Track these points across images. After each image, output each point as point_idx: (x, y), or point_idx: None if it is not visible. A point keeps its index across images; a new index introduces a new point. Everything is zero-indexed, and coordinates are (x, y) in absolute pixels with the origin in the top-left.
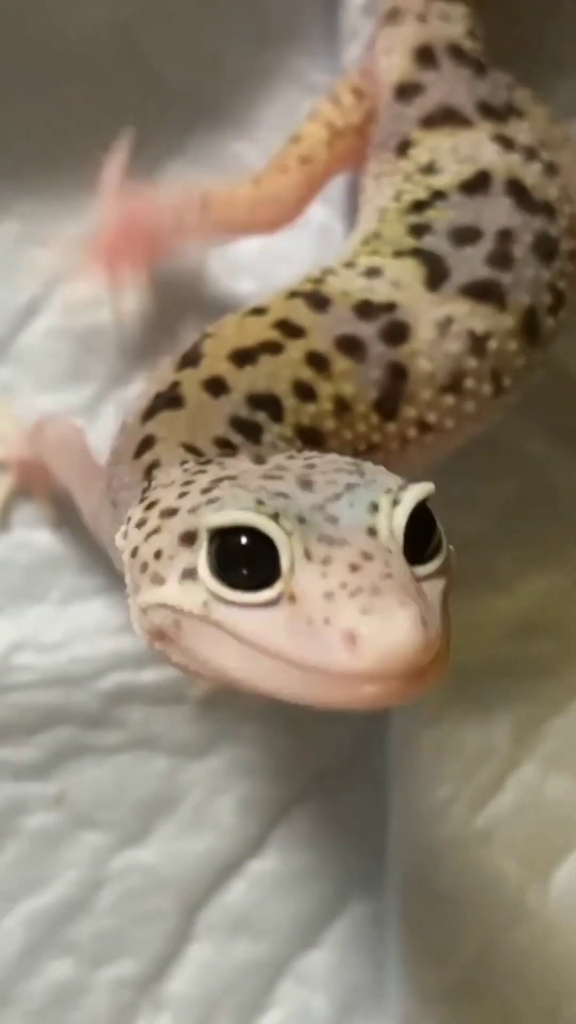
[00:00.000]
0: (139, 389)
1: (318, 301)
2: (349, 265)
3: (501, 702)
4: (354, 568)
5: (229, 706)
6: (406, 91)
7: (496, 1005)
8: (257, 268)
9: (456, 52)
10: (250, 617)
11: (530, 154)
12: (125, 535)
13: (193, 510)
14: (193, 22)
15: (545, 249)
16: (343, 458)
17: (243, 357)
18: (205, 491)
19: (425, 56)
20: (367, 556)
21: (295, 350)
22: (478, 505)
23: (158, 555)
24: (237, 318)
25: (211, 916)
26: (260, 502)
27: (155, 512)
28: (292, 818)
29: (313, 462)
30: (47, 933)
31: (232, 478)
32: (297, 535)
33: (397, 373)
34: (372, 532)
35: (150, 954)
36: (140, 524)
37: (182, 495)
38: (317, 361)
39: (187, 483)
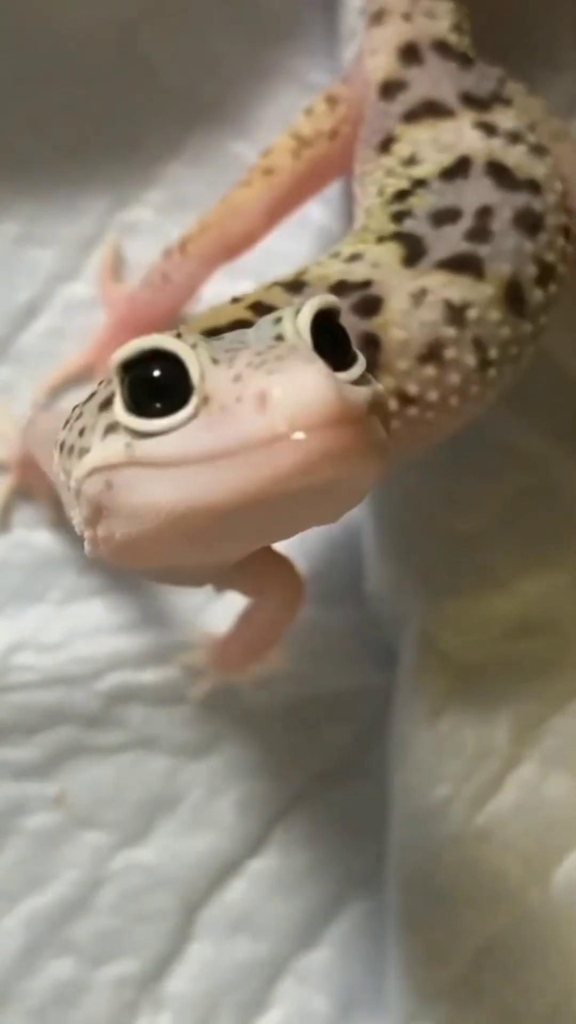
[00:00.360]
0: None
1: (295, 287)
2: (335, 255)
3: (501, 701)
4: (259, 354)
5: (229, 706)
6: (390, 89)
7: (496, 1004)
8: (256, 269)
9: (442, 47)
10: (169, 439)
11: (514, 137)
12: (57, 446)
13: (108, 382)
14: (192, 22)
15: (528, 222)
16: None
17: (213, 334)
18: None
19: (410, 54)
20: (271, 348)
21: None
22: (477, 504)
23: (81, 433)
24: (217, 305)
25: (211, 915)
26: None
27: (75, 412)
28: (292, 817)
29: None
30: (47, 932)
31: None
32: (202, 347)
33: (369, 342)
34: (279, 338)
35: (150, 953)
36: (66, 424)
37: (99, 384)
38: None
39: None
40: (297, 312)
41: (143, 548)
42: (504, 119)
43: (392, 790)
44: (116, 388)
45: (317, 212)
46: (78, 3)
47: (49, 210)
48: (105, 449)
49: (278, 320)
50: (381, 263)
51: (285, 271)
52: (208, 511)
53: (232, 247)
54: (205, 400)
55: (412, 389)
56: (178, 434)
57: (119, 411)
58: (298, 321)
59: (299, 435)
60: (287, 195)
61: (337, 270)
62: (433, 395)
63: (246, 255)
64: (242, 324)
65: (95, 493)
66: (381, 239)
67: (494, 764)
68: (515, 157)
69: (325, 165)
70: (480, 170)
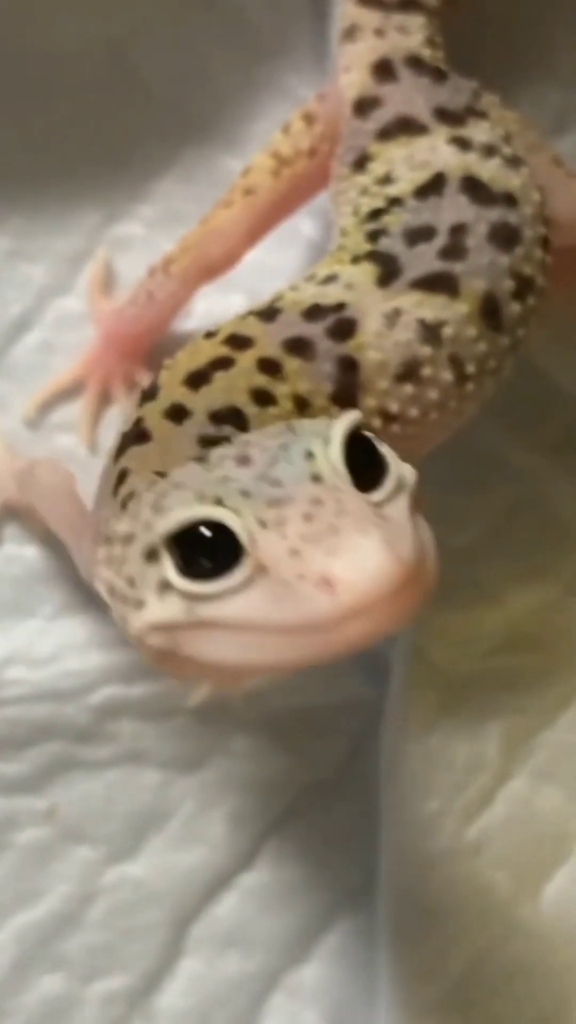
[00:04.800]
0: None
1: (268, 314)
2: (309, 278)
3: (491, 714)
4: (308, 518)
5: (219, 720)
6: (364, 106)
7: (486, 1019)
8: (247, 282)
9: (415, 62)
10: (232, 603)
11: (489, 151)
12: (100, 578)
13: (147, 527)
14: (183, 38)
15: (503, 236)
16: (277, 426)
17: (197, 379)
18: (152, 505)
19: (383, 70)
20: (317, 502)
21: (246, 360)
22: (467, 518)
23: (131, 582)
24: (191, 345)
25: (202, 930)
26: (201, 494)
27: (116, 544)
28: (283, 831)
29: (249, 439)
30: (38, 947)
31: (176, 485)
32: (246, 509)
33: (347, 366)
34: (316, 478)
35: (141, 968)
36: (108, 561)
37: (134, 518)
38: (268, 366)
39: (136, 506)
40: (326, 443)
41: (212, 677)
42: (478, 132)
43: (383, 804)
44: (163, 549)
45: (306, 225)
46: (69, 19)
47: (40, 225)
48: (164, 609)
49: (310, 455)
50: (355, 284)
51: (275, 284)
52: (277, 668)
53: (213, 268)
54: (262, 568)
55: (393, 407)
56: (242, 599)
57: (173, 576)
58: (330, 454)
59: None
60: (267, 214)
61: (311, 294)
62: (413, 412)
63: (236, 269)
64: (221, 362)
65: (160, 645)
66: (356, 259)
67: (485, 778)
68: (490, 170)
69: (305, 183)
70: (455, 186)
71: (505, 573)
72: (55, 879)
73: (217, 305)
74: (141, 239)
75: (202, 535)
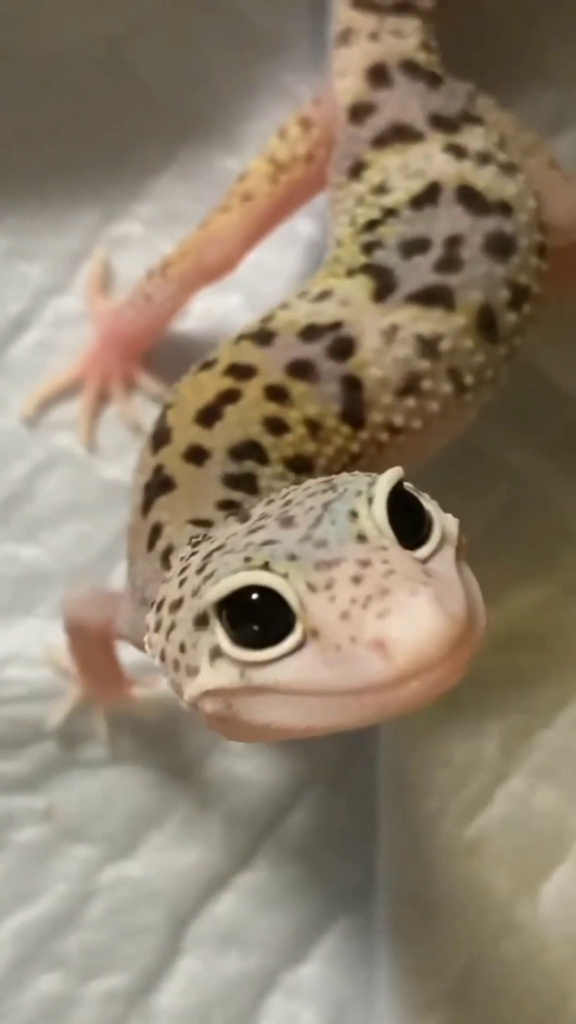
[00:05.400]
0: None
1: (263, 337)
2: (302, 295)
3: (490, 714)
4: (357, 580)
5: None
6: (359, 112)
7: (485, 1018)
8: (245, 282)
9: (410, 67)
10: (286, 668)
11: (483, 158)
12: (149, 643)
13: (195, 593)
14: (182, 38)
15: (498, 246)
16: (316, 481)
17: (208, 415)
18: (200, 571)
19: (378, 75)
20: (365, 563)
21: (252, 390)
22: (465, 518)
23: (183, 648)
24: (190, 378)
25: (200, 929)
26: (248, 559)
27: (165, 610)
28: (281, 831)
29: (290, 498)
30: (36, 947)
31: (221, 547)
32: (294, 573)
33: (352, 384)
34: (361, 538)
35: (139, 967)
36: (157, 626)
37: (182, 583)
38: (275, 393)
39: (183, 570)
40: (370, 501)
41: (260, 741)
42: (473, 139)
43: (381, 804)
44: (214, 617)
45: (305, 225)
46: (68, 19)
47: (39, 224)
48: (218, 676)
49: (354, 515)
50: (351, 300)
51: (273, 284)
52: (334, 730)
53: (210, 273)
54: (314, 633)
55: (398, 420)
56: (294, 664)
57: (225, 644)
58: (374, 513)
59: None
60: (265, 219)
61: (305, 313)
62: (417, 423)
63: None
64: (228, 395)
65: (214, 711)
66: (351, 272)
67: (483, 777)
68: (485, 179)
69: (302, 187)
70: (450, 196)
71: (502, 573)
72: (53, 878)
73: (215, 305)
74: (139, 238)
75: (251, 600)
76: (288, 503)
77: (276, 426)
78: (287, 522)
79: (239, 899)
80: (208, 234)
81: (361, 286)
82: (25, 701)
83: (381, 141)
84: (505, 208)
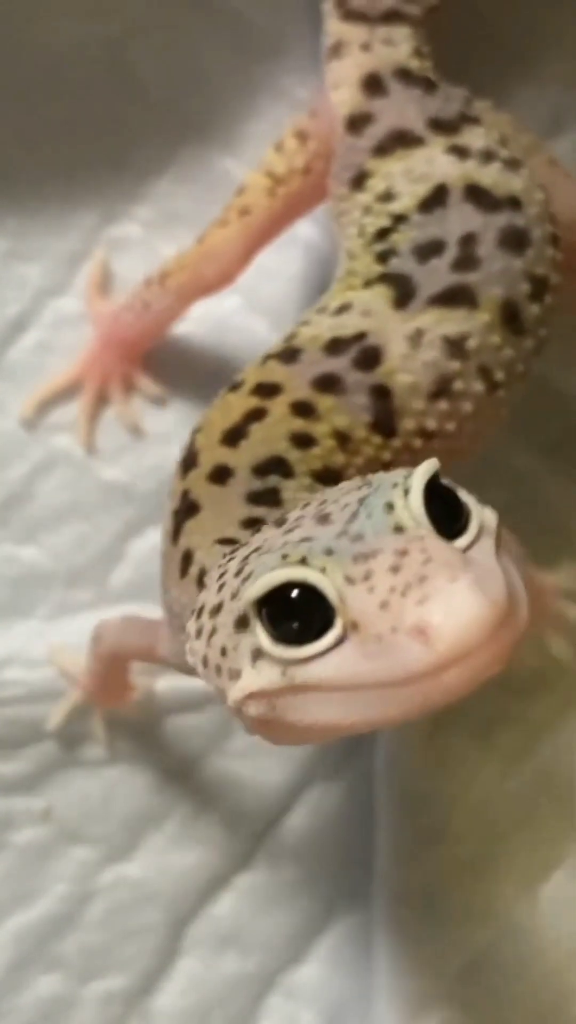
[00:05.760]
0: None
1: (289, 355)
2: (321, 310)
3: (489, 717)
4: (395, 569)
5: (216, 719)
6: (357, 123)
7: (484, 1019)
8: (244, 284)
9: (404, 75)
10: (327, 664)
11: (487, 156)
12: (191, 651)
13: (235, 596)
14: (180, 39)
15: (513, 240)
16: (351, 481)
17: (233, 436)
18: (238, 573)
19: (373, 84)
20: (402, 553)
21: (278, 407)
22: None
23: (224, 652)
24: (218, 401)
25: (199, 930)
26: (285, 556)
27: (205, 616)
28: (280, 832)
29: (325, 498)
30: (35, 948)
31: (258, 550)
32: (331, 567)
33: (381, 393)
34: (399, 529)
35: (138, 968)
36: (198, 633)
37: (220, 588)
38: (302, 409)
39: (221, 575)
40: (406, 493)
41: (306, 742)
42: (474, 138)
43: (380, 805)
44: (253, 616)
45: (305, 228)
46: (66, 19)
47: (38, 225)
48: (260, 677)
49: (390, 507)
50: (372, 310)
51: (272, 287)
52: (380, 724)
53: (208, 287)
54: (354, 625)
55: (431, 425)
56: (336, 658)
57: (266, 643)
58: (411, 504)
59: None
60: (263, 233)
61: (327, 327)
62: (451, 426)
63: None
64: (254, 414)
65: (259, 713)
66: (368, 283)
67: (482, 781)
68: (491, 175)
69: (299, 200)
70: (458, 196)
71: None
72: (52, 879)
73: (214, 307)
74: (138, 240)
75: (289, 597)
76: (323, 503)
77: (303, 440)
78: (323, 519)
79: (238, 900)
80: (206, 248)
81: (380, 295)
82: (24, 702)
83: (382, 149)
84: (514, 202)
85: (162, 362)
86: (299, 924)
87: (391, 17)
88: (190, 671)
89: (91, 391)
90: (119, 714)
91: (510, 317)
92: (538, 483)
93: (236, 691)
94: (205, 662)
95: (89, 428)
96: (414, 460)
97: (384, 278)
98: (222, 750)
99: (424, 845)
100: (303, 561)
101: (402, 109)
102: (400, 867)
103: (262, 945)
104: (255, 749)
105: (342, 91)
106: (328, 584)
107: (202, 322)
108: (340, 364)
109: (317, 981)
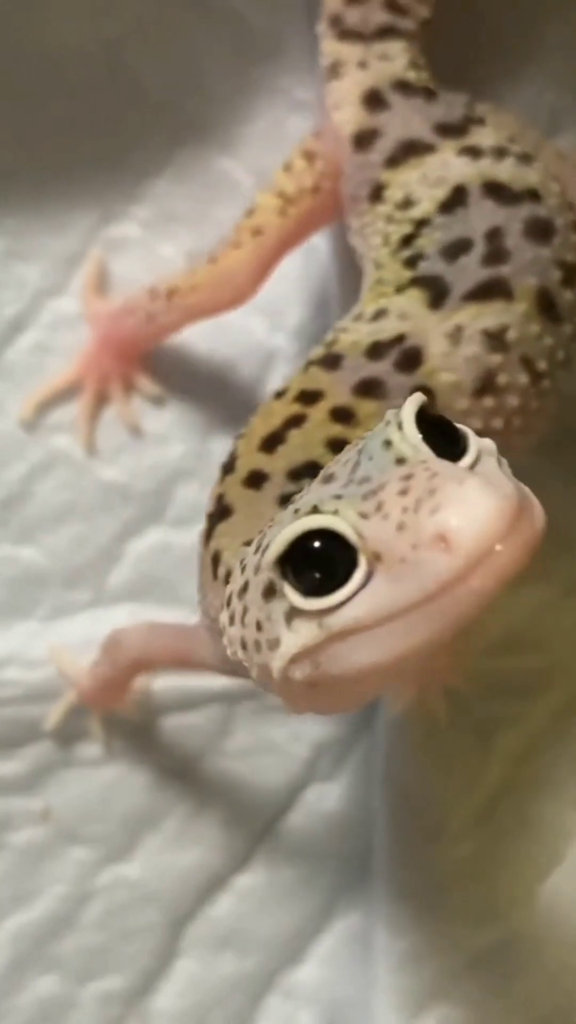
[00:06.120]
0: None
1: (331, 361)
2: (358, 317)
3: (489, 718)
4: (404, 492)
5: (215, 720)
6: (364, 139)
7: (482, 1019)
8: None
9: (403, 87)
10: (360, 603)
11: (499, 152)
12: (229, 641)
13: (257, 570)
14: (178, 39)
15: (538, 230)
16: (351, 444)
17: (271, 441)
18: (257, 550)
19: (374, 100)
20: (408, 477)
21: (318, 413)
22: None
23: (259, 627)
24: (263, 407)
25: (197, 931)
26: (296, 511)
27: (234, 600)
28: (278, 832)
29: (329, 465)
30: (33, 948)
31: (271, 525)
32: (343, 508)
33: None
34: (400, 461)
35: (137, 969)
36: (231, 620)
37: (243, 570)
38: (342, 415)
39: (243, 560)
40: (400, 426)
41: (356, 698)
42: (484, 137)
43: (379, 805)
44: (279, 578)
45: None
46: (64, 20)
47: (35, 225)
48: (298, 637)
49: (387, 443)
50: (408, 313)
51: (273, 287)
52: (428, 648)
53: (222, 308)
54: (377, 557)
55: (476, 424)
56: (367, 595)
57: (297, 600)
58: (407, 435)
59: (497, 547)
60: (275, 253)
61: (366, 332)
62: (498, 423)
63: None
64: (294, 420)
65: (305, 676)
66: (400, 288)
67: (482, 781)
68: (507, 171)
69: (309, 219)
70: (477, 194)
71: None
72: (50, 880)
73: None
74: (136, 240)
75: (310, 549)
76: (327, 468)
77: (340, 446)
78: (328, 479)
79: (237, 900)
80: (220, 270)
81: (415, 299)
82: (22, 702)
83: (394, 160)
84: (533, 194)
85: (161, 362)
86: (298, 924)
87: (385, 33)
88: (234, 673)
89: (90, 391)
90: (117, 714)
91: (547, 305)
92: (538, 483)
93: (278, 659)
94: (244, 645)
95: (89, 428)
96: None
97: (416, 281)
98: (220, 750)
99: (423, 845)
100: (315, 510)
101: (407, 120)
102: (399, 867)
103: (261, 945)
104: (254, 748)
105: (344, 110)
106: (343, 524)
107: (202, 323)
108: (382, 368)
109: (316, 981)
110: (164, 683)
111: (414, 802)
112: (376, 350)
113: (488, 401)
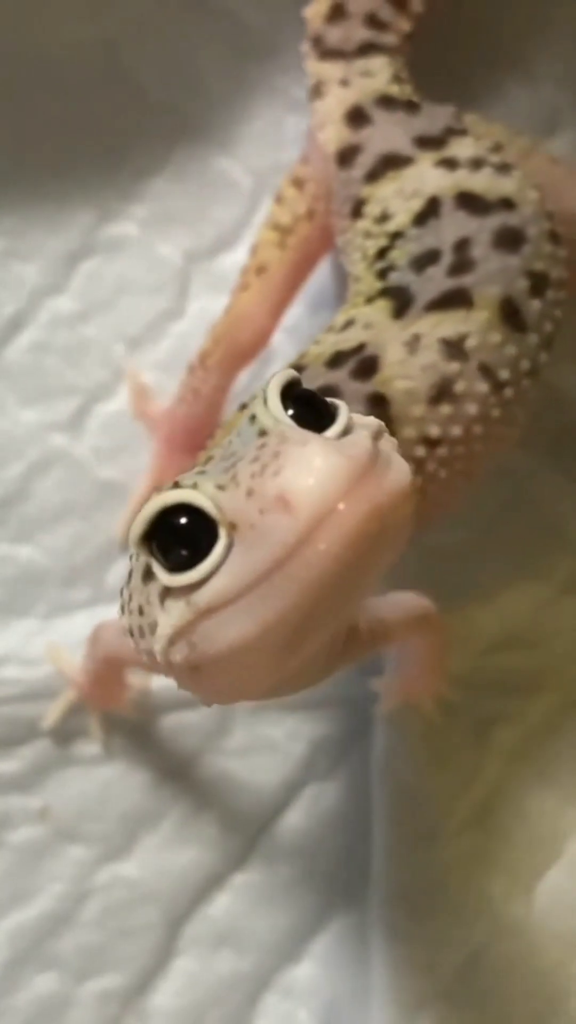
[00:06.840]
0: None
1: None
2: (330, 329)
3: (485, 715)
4: (255, 459)
5: (213, 720)
6: (346, 156)
7: (478, 1017)
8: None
9: (385, 101)
10: (220, 577)
11: (476, 163)
12: (127, 632)
13: (135, 556)
14: (176, 39)
15: (508, 239)
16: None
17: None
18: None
19: (357, 117)
20: (261, 446)
21: None
22: (460, 518)
23: (141, 611)
24: (229, 419)
25: (195, 929)
26: (158, 489)
27: (124, 591)
28: (275, 831)
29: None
30: (32, 947)
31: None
32: (202, 482)
33: (376, 402)
34: (262, 433)
35: (135, 967)
36: (121, 609)
37: (131, 558)
38: None
39: (130, 557)
40: (265, 400)
41: (249, 683)
42: (462, 148)
43: (376, 804)
44: (148, 556)
45: None
46: (63, 20)
47: (34, 224)
48: (169, 616)
49: (253, 418)
50: (373, 323)
51: None
52: (293, 617)
53: (247, 353)
54: (233, 527)
55: (433, 431)
56: (226, 568)
57: (164, 577)
58: (269, 407)
59: (340, 506)
60: (284, 287)
61: (331, 343)
62: (456, 430)
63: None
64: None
65: (183, 658)
66: (370, 299)
67: (479, 778)
68: (482, 181)
69: (309, 246)
70: (451, 205)
71: (498, 573)
72: (48, 878)
73: (211, 305)
74: (134, 239)
75: (175, 525)
76: (207, 452)
77: None
78: (207, 461)
79: (234, 899)
80: (235, 316)
81: (381, 308)
82: (20, 701)
83: (373, 175)
84: (507, 203)
85: (161, 361)
86: (295, 923)
87: (367, 49)
88: (159, 671)
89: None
90: (115, 713)
91: (510, 314)
92: (536, 483)
93: (158, 642)
94: (131, 632)
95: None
96: (420, 470)
97: (384, 292)
98: (218, 748)
99: (420, 844)
100: (176, 485)
101: (388, 134)
102: (396, 866)
103: (258, 944)
104: (251, 747)
105: (328, 129)
106: (200, 496)
107: (199, 320)
108: (338, 376)
109: (313, 980)
110: (163, 682)
111: (411, 800)
112: (337, 359)
113: (445, 408)
